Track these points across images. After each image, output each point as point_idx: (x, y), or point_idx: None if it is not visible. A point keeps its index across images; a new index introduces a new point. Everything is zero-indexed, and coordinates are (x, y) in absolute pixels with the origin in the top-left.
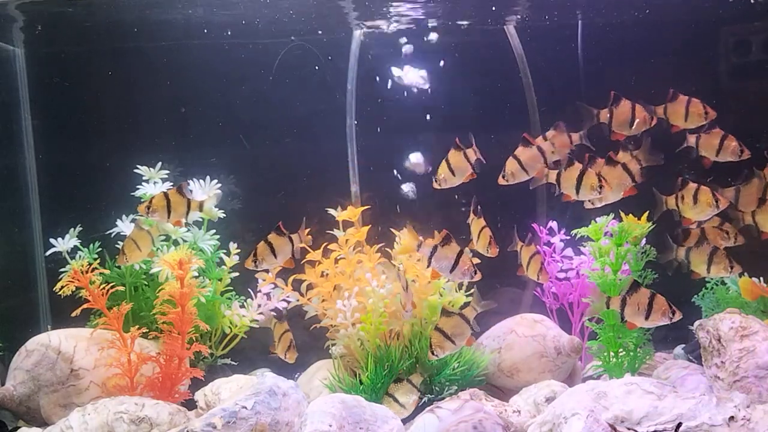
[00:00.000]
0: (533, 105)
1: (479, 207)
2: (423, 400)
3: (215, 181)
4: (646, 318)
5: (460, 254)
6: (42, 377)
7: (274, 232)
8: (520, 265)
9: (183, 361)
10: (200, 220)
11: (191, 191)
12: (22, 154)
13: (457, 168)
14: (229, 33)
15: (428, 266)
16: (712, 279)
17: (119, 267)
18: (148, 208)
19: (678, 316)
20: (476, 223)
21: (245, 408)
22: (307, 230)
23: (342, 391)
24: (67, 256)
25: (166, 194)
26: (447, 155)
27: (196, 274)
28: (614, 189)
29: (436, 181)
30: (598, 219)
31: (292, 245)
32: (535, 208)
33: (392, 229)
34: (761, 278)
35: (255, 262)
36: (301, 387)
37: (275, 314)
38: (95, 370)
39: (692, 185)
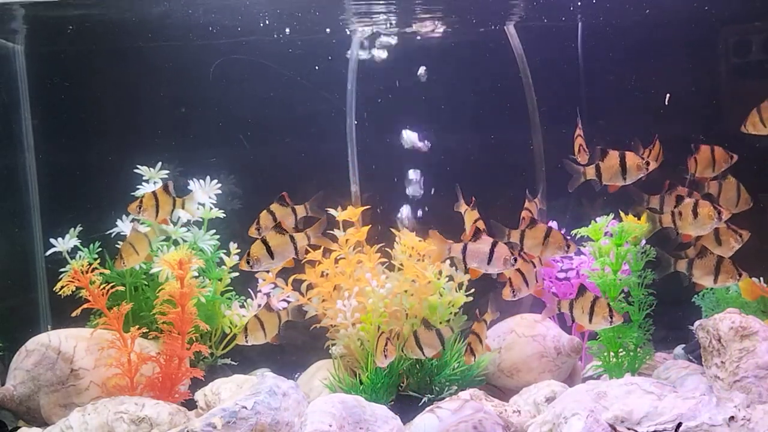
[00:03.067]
0: (533, 105)
1: (473, 198)
2: (423, 400)
3: (215, 181)
4: (590, 321)
5: (494, 245)
6: (42, 377)
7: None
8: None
9: (183, 361)
10: (200, 220)
11: (191, 190)
12: (22, 154)
13: (282, 221)
14: (228, 32)
15: (466, 267)
16: None
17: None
18: (139, 207)
19: (617, 320)
20: (469, 215)
21: (245, 408)
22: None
23: (342, 391)
24: (67, 256)
25: (154, 193)
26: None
27: (196, 274)
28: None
29: (249, 263)
30: (598, 219)
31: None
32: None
33: (392, 229)
34: (761, 278)
35: (249, 261)
36: (301, 387)
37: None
38: (95, 370)
39: (689, 200)
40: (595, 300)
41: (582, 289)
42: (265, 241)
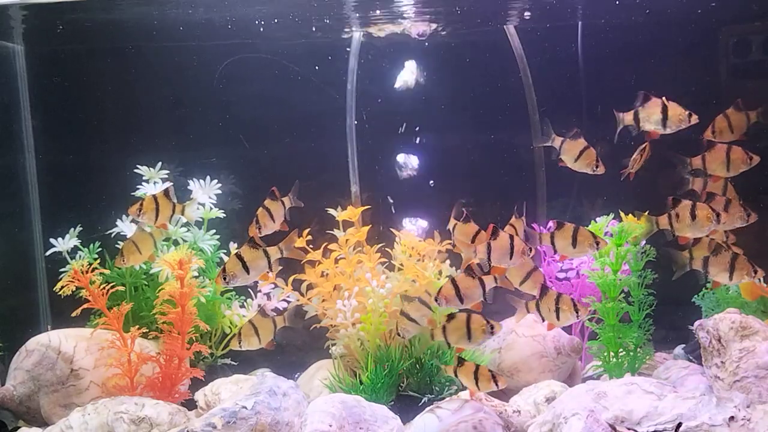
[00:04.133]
0: (533, 105)
1: (464, 212)
2: (423, 400)
3: (215, 181)
4: (558, 318)
5: (512, 240)
6: (42, 377)
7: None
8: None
9: (183, 361)
10: (200, 220)
11: (191, 191)
12: (22, 154)
13: (276, 215)
14: (229, 32)
15: (490, 266)
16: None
17: (119, 267)
18: (139, 210)
19: (583, 314)
20: (460, 229)
21: (245, 408)
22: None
23: (342, 391)
24: (67, 256)
25: (155, 197)
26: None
27: (196, 274)
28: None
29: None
30: (598, 219)
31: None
32: (535, 208)
33: (392, 229)
34: (761, 278)
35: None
36: (301, 387)
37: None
38: (95, 370)
39: (686, 202)
40: (558, 297)
41: (544, 289)
42: (239, 256)
